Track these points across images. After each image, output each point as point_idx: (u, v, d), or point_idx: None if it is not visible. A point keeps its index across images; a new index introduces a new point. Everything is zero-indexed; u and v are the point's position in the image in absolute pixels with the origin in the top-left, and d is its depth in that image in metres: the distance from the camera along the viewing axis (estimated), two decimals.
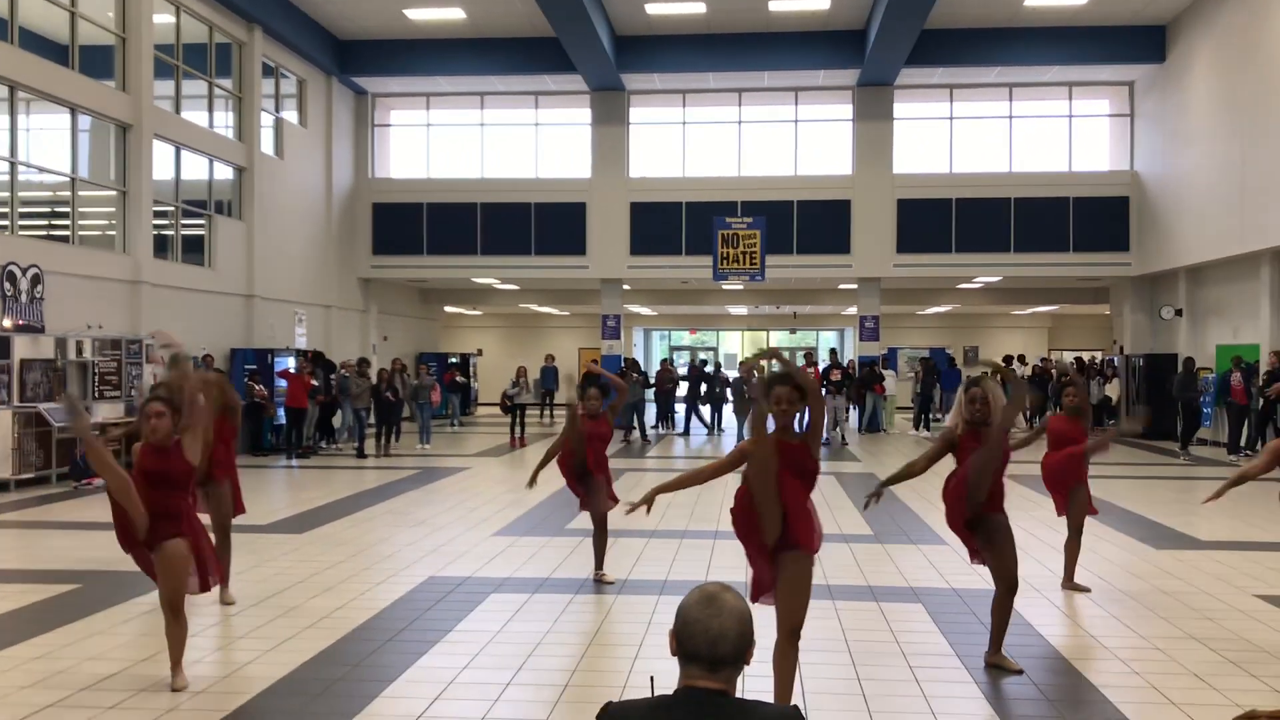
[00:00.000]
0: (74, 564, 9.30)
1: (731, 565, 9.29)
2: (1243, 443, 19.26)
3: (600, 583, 8.64)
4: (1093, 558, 9.65)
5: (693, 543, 10.46)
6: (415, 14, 22.30)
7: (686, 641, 2.27)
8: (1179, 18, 22.05)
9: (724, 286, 27.82)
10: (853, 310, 29.23)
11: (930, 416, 25.11)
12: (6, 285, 14.09)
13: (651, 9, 22.07)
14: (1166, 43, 22.74)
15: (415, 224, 26.25)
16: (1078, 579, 8.58)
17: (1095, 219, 24.66)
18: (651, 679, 2.77)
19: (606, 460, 8.83)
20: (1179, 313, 22.99)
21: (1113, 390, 24.71)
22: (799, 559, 5.19)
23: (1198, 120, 21.29)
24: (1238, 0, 19.40)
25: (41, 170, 15.92)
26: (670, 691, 2.30)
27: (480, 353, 35.17)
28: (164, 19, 18.28)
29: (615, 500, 8.77)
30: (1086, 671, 6.36)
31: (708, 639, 2.25)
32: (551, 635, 7.09)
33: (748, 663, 2.30)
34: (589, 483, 8.69)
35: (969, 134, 25.63)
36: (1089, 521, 9.03)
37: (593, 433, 8.64)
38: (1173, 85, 22.50)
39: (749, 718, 2.23)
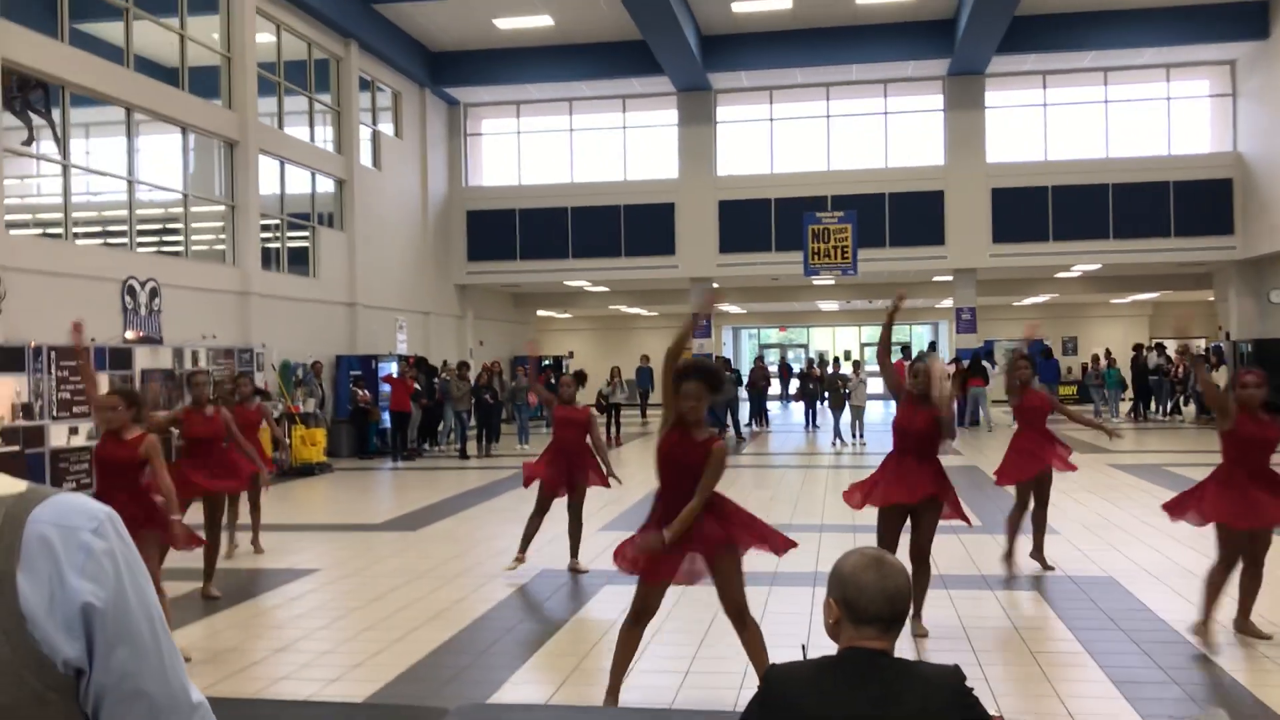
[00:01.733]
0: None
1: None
2: None
3: (575, 572, 8.83)
4: (1212, 543, 9.47)
5: (797, 535, 10.49)
6: (504, 23, 22.67)
7: (864, 606, 2.33)
8: None
9: (815, 282, 27.71)
10: (948, 303, 28.89)
11: None
12: (127, 299, 14.69)
13: (738, 7, 22.12)
14: (1270, 18, 22.08)
15: (508, 230, 26.65)
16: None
17: (1197, 202, 24.04)
18: (803, 646, 2.85)
19: (589, 447, 8.97)
20: None
21: (1220, 378, 24.04)
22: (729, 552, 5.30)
23: None
24: None
25: (156, 188, 16.55)
26: (831, 654, 2.39)
27: (571, 355, 35.51)
28: (265, 38, 18.87)
29: (606, 482, 9.06)
30: (1216, 656, 6.28)
31: (886, 597, 2.33)
32: (669, 624, 7.21)
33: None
34: (575, 473, 8.89)
35: (1064, 120, 25.17)
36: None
37: (566, 418, 8.93)
38: (1277, 61, 21.83)
39: (912, 673, 2.32)
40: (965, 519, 7.05)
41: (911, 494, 6.81)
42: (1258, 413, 6.39)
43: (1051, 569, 8.58)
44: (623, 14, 21.05)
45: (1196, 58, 24.06)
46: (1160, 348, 27.64)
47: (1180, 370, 25.44)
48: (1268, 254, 22.90)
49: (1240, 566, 6.45)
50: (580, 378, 9.81)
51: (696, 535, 5.21)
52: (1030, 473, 8.71)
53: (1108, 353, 27.47)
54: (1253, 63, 23.14)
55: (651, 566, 5.23)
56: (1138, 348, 26.86)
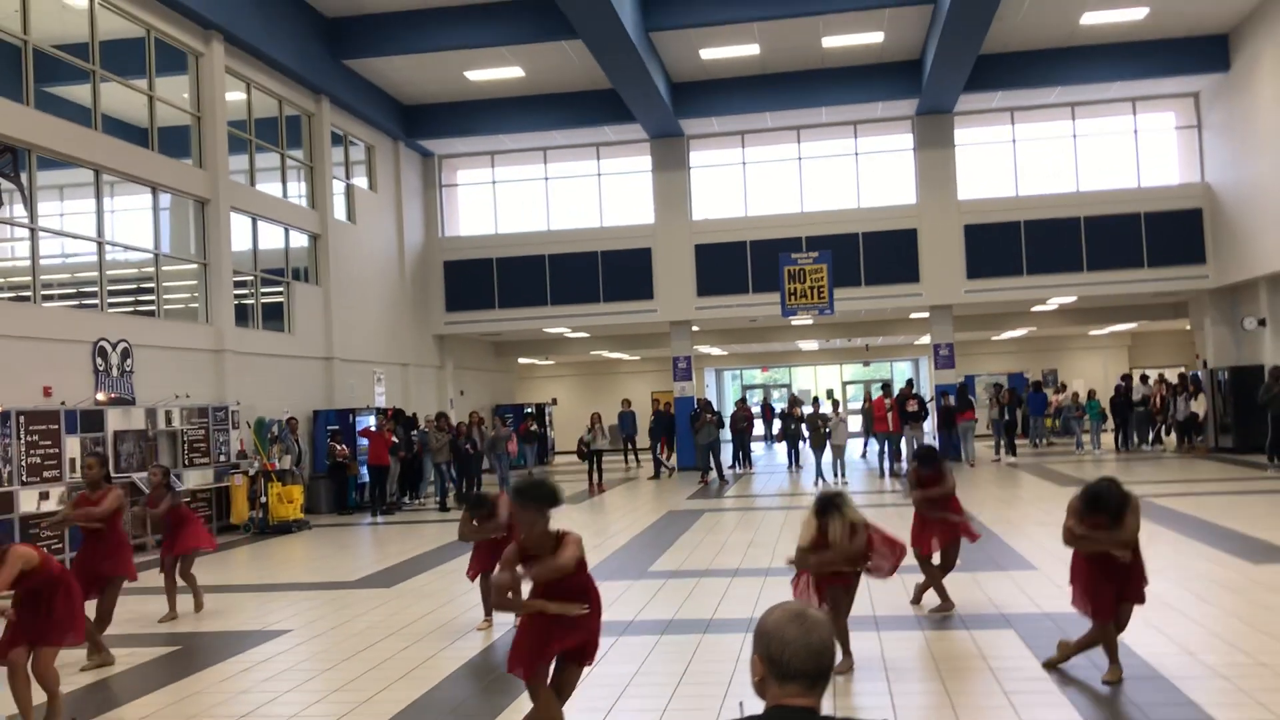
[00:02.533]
0: (168, 627, 9.54)
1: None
2: None
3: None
4: (1188, 574, 9.45)
5: (776, 580, 10.43)
6: (476, 75, 22.82)
7: (787, 661, 2.28)
8: (1240, 25, 21.74)
9: (793, 322, 27.79)
10: (926, 339, 28.98)
11: (1014, 442, 24.76)
12: (98, 360, 14.61)
13: (706, 54, 22.33)
14: (1230, 51, 22.40)
15: (486, 279, 26.67)
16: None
17: (1168, 233, 24.24)
18: (740, 704, 2.80)
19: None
20: (1262, 322, 22.44)
21: (1199, 406, 24.15)
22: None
23: (1268, 126, 20.89)
24: None
25: (127, 248, 16.51)
26: (758, 713, 2.34)
27: (555, 401, 35.48)
28: (236, 96, 18.93)
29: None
30: (1189, 690, 6.23)
31: (810, 653, 2.28)
32: (640, 676, 7.13)
33: None
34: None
35: (1033, 155, 25.40)
36: (1181, 538, 8.87)
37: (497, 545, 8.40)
38: (1239, 93, 22.13)
39: None
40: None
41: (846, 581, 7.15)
42: None
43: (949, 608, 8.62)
44: (593, 64, 21.22)
45: (1161, 91, 24.36)
46: (1145, 378, 27.76)
47: (1159, 400, 25.53)
48: (1240, 282, 23.07)
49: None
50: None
51: (557, 638, 5.15)
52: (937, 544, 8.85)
53: (1090, 393, 27.52)
54: (1215, 95, 23.44)
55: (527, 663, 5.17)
56: (1126, 379, 26.95)
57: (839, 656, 6.97)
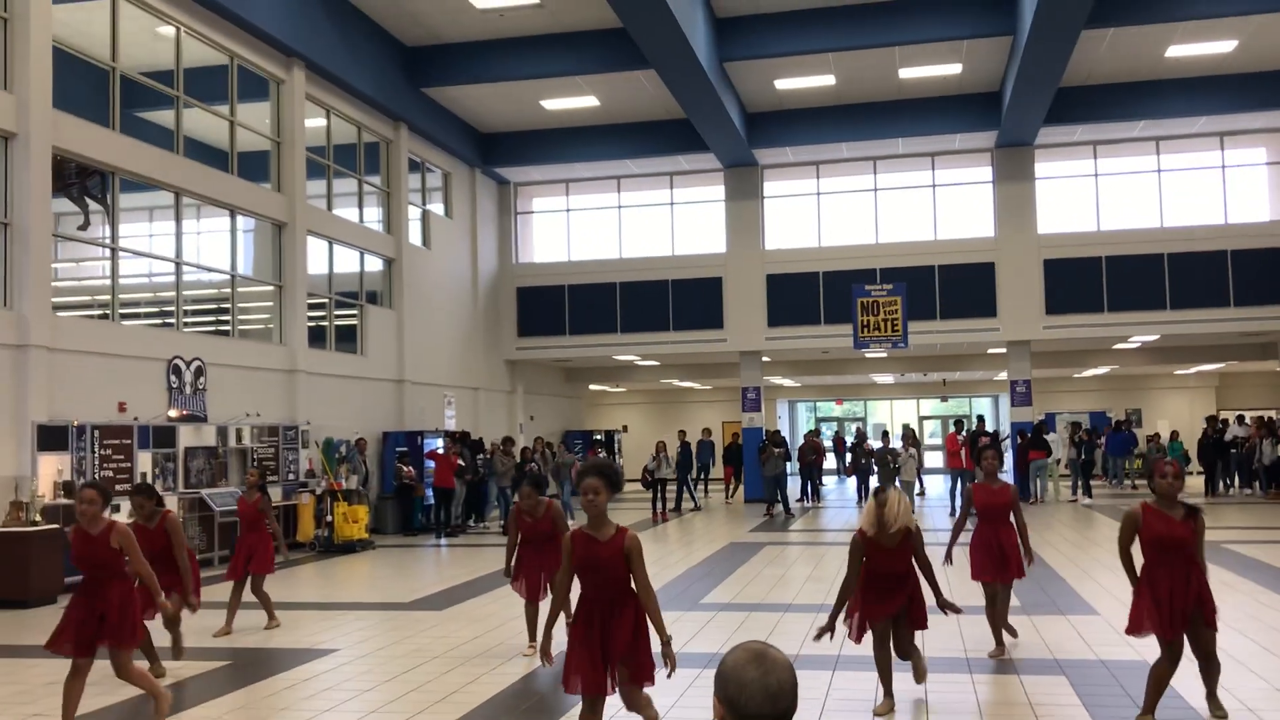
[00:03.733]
0: (224, 642, 9.68)
1: (867, 640, 9.06)
2: None
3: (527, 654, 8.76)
4: (1259, 625, 9.07)
5: (797, 616, 10.23)
6: (551, 104, 23.07)
7: (744, 704, 2.23)
8: None
9: (866, 355, 27.48)
10: (1004, 375, 28.44)
11: (1089, 482, 24.15)
12: (172, 378, 14.97)
13: (781, 84, 22.30)
14: None
15: (558, 306, 26.85)
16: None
17: (1256, 270, 23.51)
18: None
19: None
20: None
21: None
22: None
23: None
24: None
25: (205, 269, 16.94)
26: None
27: (625, 429, 35.48)
28: (315, 122, 19.37)
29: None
30: None
31: (768, 696, 2.21)
32: (677, 710, 7.03)
33: None
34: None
35: (1116, 190, 24.87)
36: (1257, 587, 8.53)
37: (532, 532, 8.71)
38: None
39: None
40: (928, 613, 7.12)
41: (890, 609, 6.98)
42: (1172, 510, 6.32)
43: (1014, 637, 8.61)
44: (667, 94, 21.32)
45: (1251, 125, 23.71)
46: (1241, 419, 26.93)
47: (1252, 442, 24.71)
48: None
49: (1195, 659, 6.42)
50: (540, 485, 9.04)
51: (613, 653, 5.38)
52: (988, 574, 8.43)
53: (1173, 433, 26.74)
54: None
55: (589, 682, 5.35)
56: (1210, 420, 26.15)
57: (880, 696, 6.86)
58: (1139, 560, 6.47)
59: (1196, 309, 23.80)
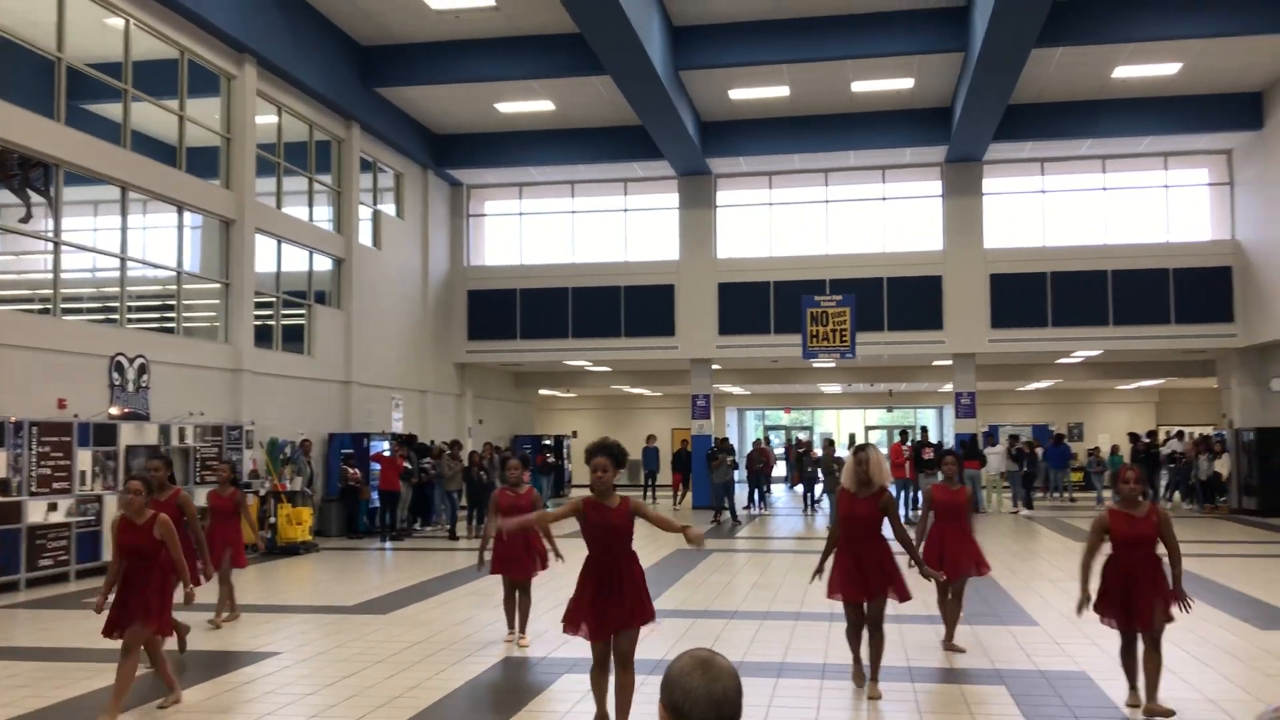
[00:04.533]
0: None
1: (811, 648, 9.14)
2: None
3: (521, 647, 9.25)
4: (1193, 638, 9.25)
5: (773, 623, 10.31)
6: (506, 107, 23.01)
7: (690, 710, 2.24)
8: (1275, 83, 21.60)
9: (814, 365, 27.67)
10: (949, 387, 28.78)
11: (1030, 494, 24.52)
12: (114, 375, 14.73)
13: (735, 94, 22.42)
14: (1264, 109, 22.25)
15: (509, 309, 26.76)
16: None
17: (1197, 290, 24.00)
18: None
19: (535, 530, 9.33)
20: None
21: (1223, 466, 23.80)
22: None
23: None
24: None
25: (150, 265, 16.69)
26: None
27: (575, 434, 35.44)
28: (266, 119, 19.16)
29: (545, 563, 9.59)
30: None
31: (713, 702, 2.23)
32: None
33: None
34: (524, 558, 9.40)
35: (1062, 206, 25.27)
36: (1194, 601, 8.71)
37: (513, 505, 9.31)
38: (1273, 151, 21.94)
39: None
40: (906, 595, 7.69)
41: (866, 592, 7.53)
42: (1135, 510, 6.99)
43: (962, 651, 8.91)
44: (622, 100, 21.34)
45: (1194, 146, 24.19)
46: (1180, 435, 27.48)
47: (1189, 457, 25.21)
48: (1268, 342, 22.77)
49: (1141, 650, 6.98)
50: (526, 462, 10.38)
51: (615, 612, 6.24)
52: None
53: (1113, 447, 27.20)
54: (1248, 152, 23.26)
55: (593, 627, 6.26)
56: (1133, 436, 26.73)
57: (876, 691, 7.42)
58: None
59: (1138, 325, 24.23)
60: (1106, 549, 7.13)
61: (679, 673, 2.26)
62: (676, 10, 19.36)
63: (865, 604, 7.49)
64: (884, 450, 14.68)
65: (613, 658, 6.31)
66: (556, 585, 11.88)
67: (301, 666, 8.55)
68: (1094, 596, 7.06)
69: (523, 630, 9.48)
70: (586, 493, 6.37)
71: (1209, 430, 28.95)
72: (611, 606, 6.19)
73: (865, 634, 7.59)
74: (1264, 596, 11.67)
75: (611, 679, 6.38)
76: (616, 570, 6.26)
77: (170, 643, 8.23)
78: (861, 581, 7.43)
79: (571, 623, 6.34)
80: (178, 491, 8.76)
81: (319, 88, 19.62)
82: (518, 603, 9.51)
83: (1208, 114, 22.58)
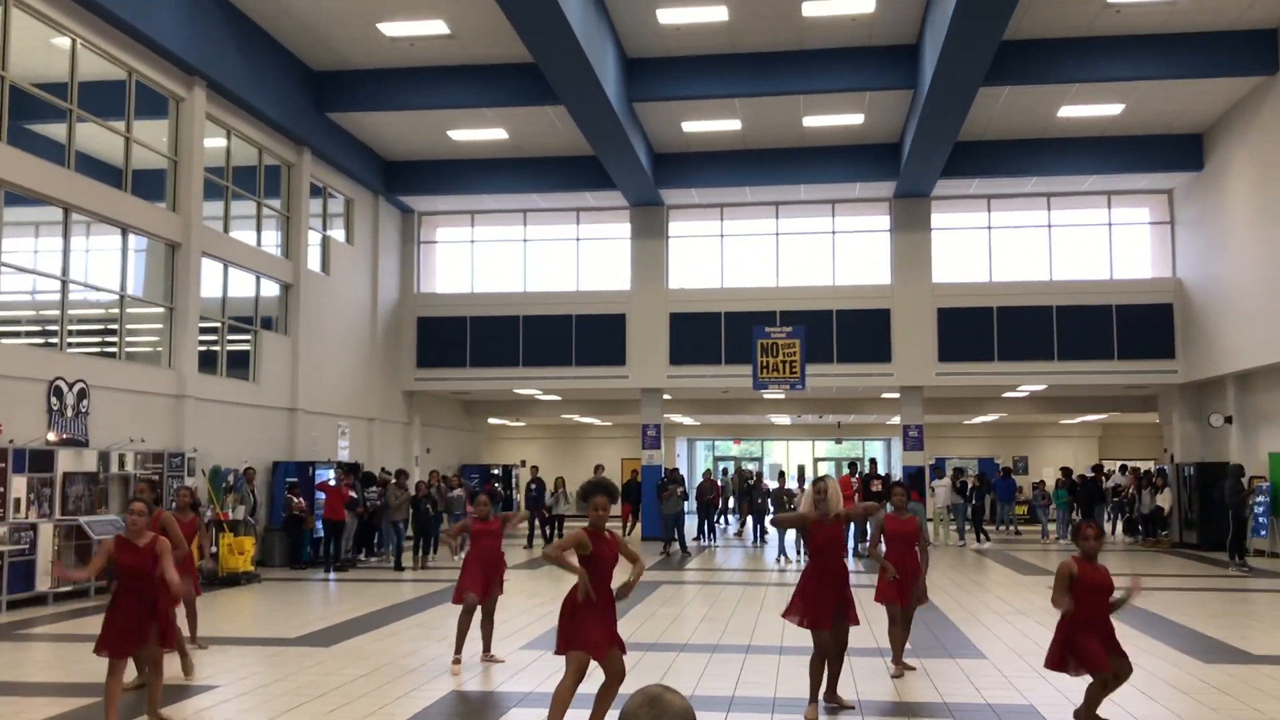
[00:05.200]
0: (98, 676, 9.25)
1: (761, 681, 9.09)
2: None
3: (491, 661, 9.77)
4: (1137, 671, 9.29)
5: (723, 656, 10.24)
6: (459, 135, 22.96)
7: None
8: (1214, 125, 22.13)
9: (765, 396, 27.76)
10: (897, 419, 29.00)
11: (981, 530, 24.71)
12: (53, 400, 14.40)
13: (688, 127, 22.55)
14: (1204, 150, 22.78)
15: (459, 337, 26.60)
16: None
17: (1139, 326, 24.44)
18: None
19: (503, 556, 10.23)
20: (1229, 420, 22.55)
21: (1164, 500, 24.15)
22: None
23: (1239, 227, 21.18)
24: (1272, 107, 19.45)
25: (92, 288, 16.36)
26: None
27: (524, 463, 35.20)
28: (215, 142, 18.95)
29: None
30: None
31: None
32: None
33: None
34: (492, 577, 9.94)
35: (1008, 243, 25.65)
36: (1134, 632, 8.84)
37: (482, 530, 10.03)
38: (1212, 192, 22.46)
39: None
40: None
41: (826, 621, 7.79)
42: (1094, 562, 7.28)
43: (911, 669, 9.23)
44: (576, 130, 21.39)
45: (1136, 186, 24.70)
46: (1123, 468, 27.88)
47: (1129, 492, 25.55)
48: (1208, 379, 23.22)
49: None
50: (495, 496, 10.92)
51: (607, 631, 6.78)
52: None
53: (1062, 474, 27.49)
54: (1189, 192, 23.79)
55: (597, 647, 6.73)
56: (1065, 471, 27.18)
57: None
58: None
59: (1082, 361, 24.62)
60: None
61: (631, 711, 2.22)
62: (631, 42, 19.47)
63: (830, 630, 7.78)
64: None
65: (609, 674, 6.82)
66: (507, 614, 11.76)
67: (242, 700, 8.34)
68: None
69: (488, 648, 9.88)
70: (583, 524, 6.93)
71: (1150, 464, 29.40)
72: (610, 626, 6.83)
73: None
74: (1206, 630, 11.80)
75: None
76: (607, 595, 6.81)
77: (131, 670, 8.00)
78: (826, 608, 7.76)
79: (571, 645, 6.77)
80: (160, 514, 9.01)
81: (270, 112, 19.45)
82: (480, 623, 9.83)
83: (1149, 154, 23.08)
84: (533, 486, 24.66)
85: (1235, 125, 21.15)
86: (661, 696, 2.23)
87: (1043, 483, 27.76)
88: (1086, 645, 7.05)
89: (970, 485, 25.12)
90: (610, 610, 6.81)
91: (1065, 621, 7.18)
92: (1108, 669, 7.09)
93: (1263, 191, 20.02)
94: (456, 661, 9.58)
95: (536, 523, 24.09)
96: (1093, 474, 26.96)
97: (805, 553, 20.57)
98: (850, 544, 22.18)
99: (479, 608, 9.78)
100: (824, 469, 41.56)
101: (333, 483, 19.63)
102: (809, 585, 7.85)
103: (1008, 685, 8.90)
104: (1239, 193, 21.12)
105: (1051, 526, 26.67)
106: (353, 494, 19.53)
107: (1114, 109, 21.26)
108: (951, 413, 31.97)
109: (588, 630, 6.66)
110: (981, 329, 24.94)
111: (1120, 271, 25.12)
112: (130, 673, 8.42)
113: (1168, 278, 24.60)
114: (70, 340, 15.50)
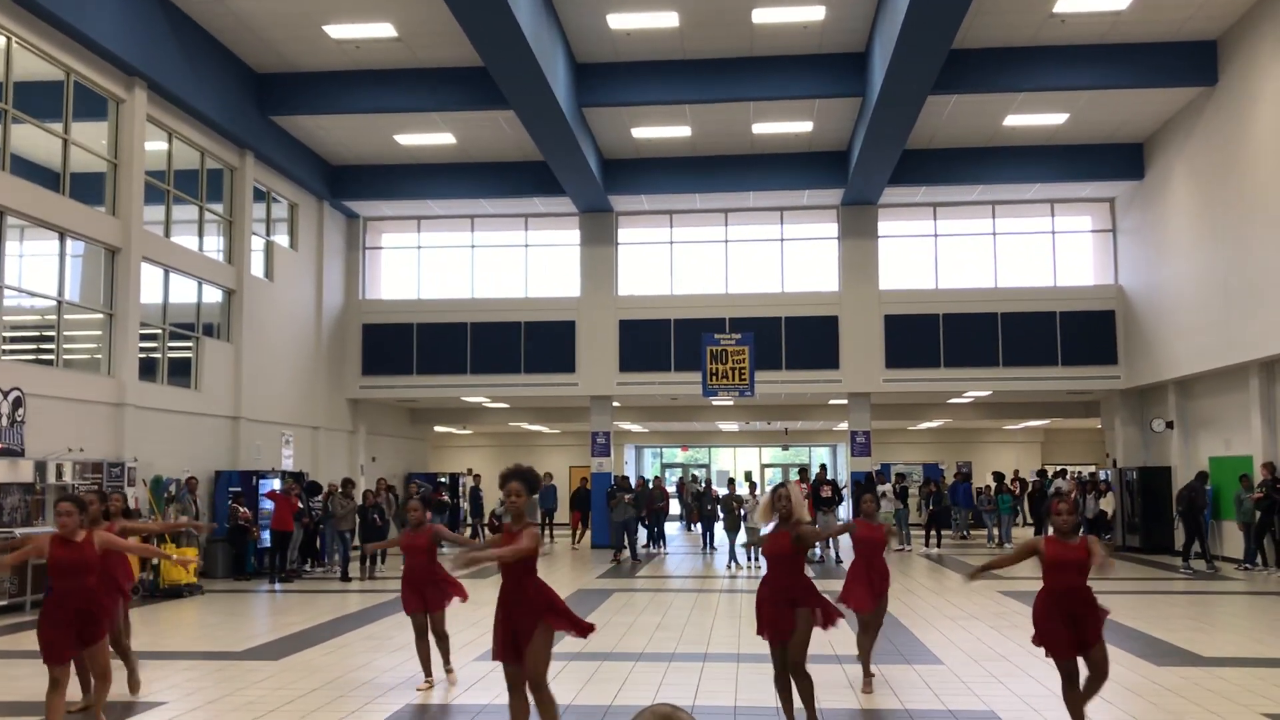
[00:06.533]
0: (36, 694, 8.94)
1: (720, 689, 9.01)
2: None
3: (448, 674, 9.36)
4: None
5: (680, 665, 10.15)
6: (406, 139, 22.70)
7: None
8: (1155, 135, 22.52)
9: (714, 402, 27.78)
10: (844, 426, 29.13)
11: (939, 534, 24.99)
12: None
13: (638, 133, 22.49)
14: (1145, 160, 23.17)
15: (405, 344, 26.29)
16: None
17: (1082, 333, 24.78)
18: None
19: (440, 568, 9.41)
20: (1170, 425, 22.92)
21: (1107, 504, 24.50)
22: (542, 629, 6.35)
23: (1179, 235, 21.56)
24: (1211, 118, 19.82)
25: (28, 294, 15.91)
26: None
27: (469, 471, 34.88)
28: (156, 145, 18.54)
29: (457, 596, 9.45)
30: None
31: None
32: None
33: None
34: (427, 593, 9.29)
35: (954, 250, 25.88)
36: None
37: (410, 544, 9.34)
38: (1153, 201, 22.85)
39: None
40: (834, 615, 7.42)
41: (782, 633, 7.27)
42: (1068, 537, 7.05)
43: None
44: (525, 135, 21.25)
45: (1079, 194, 25.07)
46: (1063, 473, 28.22)
47: (1073, 498, 25.86)
48: (1149, 384, 23.59)
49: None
50: (429, 503, 10.40)
51: (516, 615, 6.31)
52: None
53: (1001, 477, 27.77)
54: (1130, 201, 24.18)
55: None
56: (997, 475, 27.47)
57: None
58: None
59: (1026, 367, 24.91)
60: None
61: None
62: (581, 47, 19.37)
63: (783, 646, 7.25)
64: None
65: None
66: (459, 626, 11.57)
67: (192, 716, 8.10)
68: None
69: (448, 665, 9.41)
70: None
71: (1093, 469, 29.85)
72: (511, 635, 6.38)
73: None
74: (1155, 632, 11.93)
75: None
76: (515, 593, 6.44)
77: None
78: (784, 624, 7.21)
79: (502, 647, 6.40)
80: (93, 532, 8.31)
81: (212, 114, 19.08)
82: (433, 642, 9.30)
83: (1092, 163, 23.44)
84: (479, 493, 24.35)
85: (1175, 135, 21.53)
86: (674, 715, 2.13)
87: (988, 487, 28.04)
88: (1052, 630, 6.87)
89: (928, 492, 25.30)
90: (514, 614, 6.34)
91: (1043, 594, 6.97)
92: (1068, 657, 6.84)
93: (1202, 201, 20.39)
94: (427, 684, 9.10)
95: (485, 531, 23.81)
96: (1038, 478, 27.27)
97: (757, 559, 20.58)
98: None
99: (429, 626, 9.26)
100: (770, 475, 41.69)
101: (280, 492, 19.24)
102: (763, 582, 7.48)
103: (967, 691, 8.90)
104: (1179, 202, 21.50)
105: (997, 531, 26.94)
106: (300, 504, 19.18)
107: (1058, 118, 21.55)
108: (897, 418, 32.20)
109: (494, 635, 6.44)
110: (928, 335, 25.13)
111: (1064, 279, 25.46)
112: (78, 694, 8.14)
113: (1110, 285, 24.97)
114: (5, 347, 15.06)
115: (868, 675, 9.01)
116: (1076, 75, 19.20)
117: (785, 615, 7.17)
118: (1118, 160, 23.38)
